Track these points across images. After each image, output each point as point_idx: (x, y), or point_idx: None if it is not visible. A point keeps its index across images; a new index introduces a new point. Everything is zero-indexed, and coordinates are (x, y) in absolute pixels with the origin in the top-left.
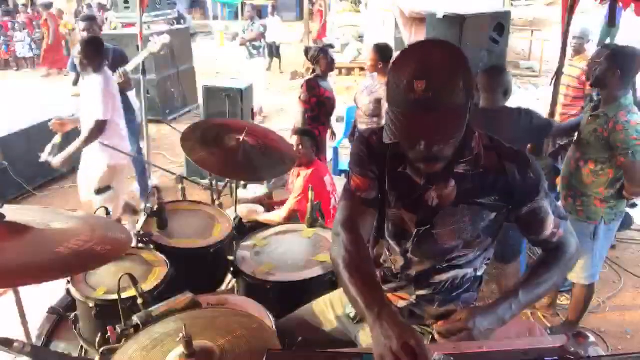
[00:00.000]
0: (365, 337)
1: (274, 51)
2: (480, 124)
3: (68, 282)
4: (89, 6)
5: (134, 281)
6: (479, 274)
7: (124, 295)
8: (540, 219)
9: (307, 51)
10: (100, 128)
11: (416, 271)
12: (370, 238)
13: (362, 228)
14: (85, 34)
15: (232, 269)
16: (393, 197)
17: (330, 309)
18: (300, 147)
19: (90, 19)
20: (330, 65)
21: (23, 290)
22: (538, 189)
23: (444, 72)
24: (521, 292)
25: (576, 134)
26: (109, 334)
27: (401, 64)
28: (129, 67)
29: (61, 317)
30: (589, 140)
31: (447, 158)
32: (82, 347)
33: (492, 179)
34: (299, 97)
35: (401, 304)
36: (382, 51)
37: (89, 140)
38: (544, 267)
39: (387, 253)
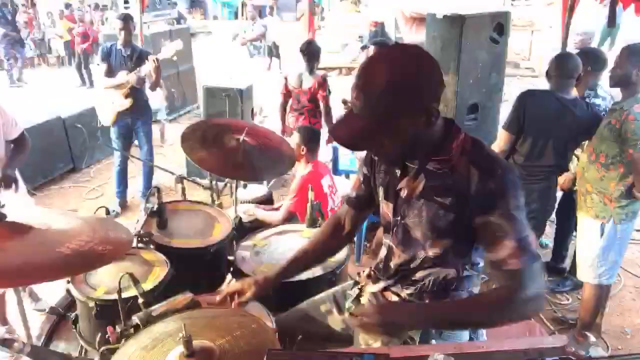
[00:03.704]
0: (365, 336)
1: (273, 51)
2: (550, 108)
3: (68, 282)
4: (89, 6)
5: (135, 281)
6: (464, 274)
7: (124, 295)
8: (493, 237)
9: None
10: None
11: (394, 263)
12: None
13: (339, 220)
14: (122, 33)
15: (232, 269)
16: (381, 191)
17: (333, 304)
18: (300, 145)
19: (125, 18)
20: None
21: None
22: (495, 203)
23: (372, 85)
24: (444, 308)
25: None
26: (109, 334)
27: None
28: (142, 72)
29: (61, 317)
30: (602, 133)
31: (396, 155)
32: (82, 347)
33: (453, 181)
34: (327, 94)
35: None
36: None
37: None
38: (480, 301)
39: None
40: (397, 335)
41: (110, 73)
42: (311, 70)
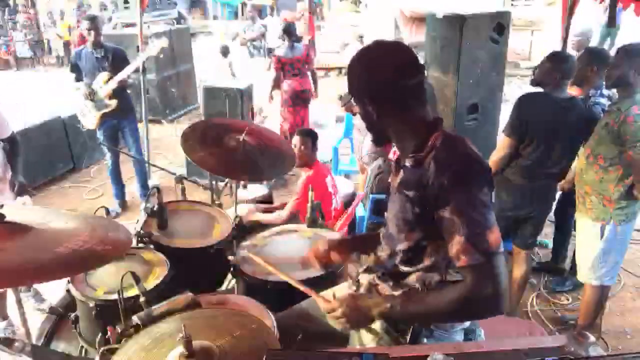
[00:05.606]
0: (365, 336)
1: (273, 51)
2: (548, 110)
3: (68, 282)
4: (89, 6)
5: (137, 279)
6: (447, 278)
7: (124, 295)
8: (446, 232)
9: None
10: None
11: (381, 256)
12: None
13: None
14: (92, 34)
15: (232, 269)
16: None
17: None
18: (302, 147)
19: (93, 19)
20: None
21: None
22: (447, 197)
23: (351, 62)
24: (404, 305)
25: None
26: (109, 334)
27: None
28: (128, 71)
29: (61, 317)
30: (600, 135)
31: (376, 132)
32: (82, 347)
33: (417, 175)
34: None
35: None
36: None
37: None
38: (438, 299)
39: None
40: (362, 325)
41: (79, 78)
42: (294, 44)
